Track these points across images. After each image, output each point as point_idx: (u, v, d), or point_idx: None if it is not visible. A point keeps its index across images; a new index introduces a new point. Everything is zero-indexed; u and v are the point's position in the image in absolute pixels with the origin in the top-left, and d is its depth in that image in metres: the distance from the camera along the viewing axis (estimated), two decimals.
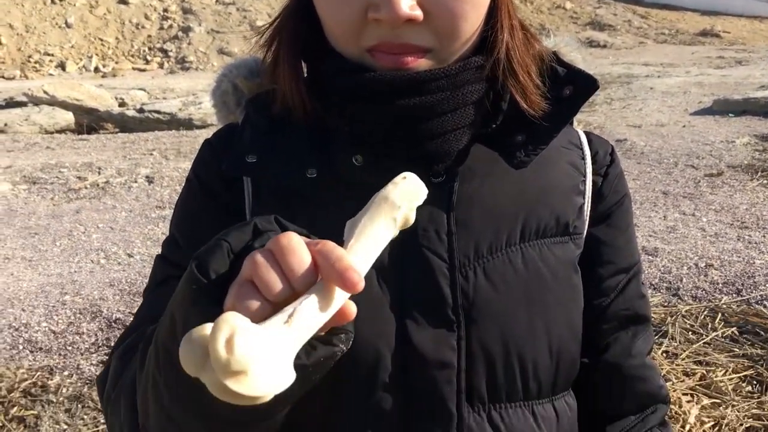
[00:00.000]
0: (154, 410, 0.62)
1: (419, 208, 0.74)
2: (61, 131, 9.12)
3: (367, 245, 0.55)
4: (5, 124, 8.92)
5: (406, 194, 0.58)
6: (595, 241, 0.85)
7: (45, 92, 9.55)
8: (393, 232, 0.57)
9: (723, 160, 6.48)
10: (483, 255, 0.76)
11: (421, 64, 0.73)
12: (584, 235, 0.84)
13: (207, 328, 0.47)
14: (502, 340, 0.74)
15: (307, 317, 0.50)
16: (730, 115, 8.35)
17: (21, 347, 3.56)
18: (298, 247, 0.52)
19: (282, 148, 0.79)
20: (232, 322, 0.46)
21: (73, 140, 8.39)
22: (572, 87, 0.80)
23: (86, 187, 6.30)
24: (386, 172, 0.73)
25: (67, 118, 9.30)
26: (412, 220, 0.59)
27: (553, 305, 0.78)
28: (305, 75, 0.81)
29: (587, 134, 0.90)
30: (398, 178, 0.59)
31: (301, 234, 0.60)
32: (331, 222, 0.74)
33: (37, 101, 9.52)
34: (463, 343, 0.74)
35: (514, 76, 0.78)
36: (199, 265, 0.56)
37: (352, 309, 0.54)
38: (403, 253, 0.74)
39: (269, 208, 0.77)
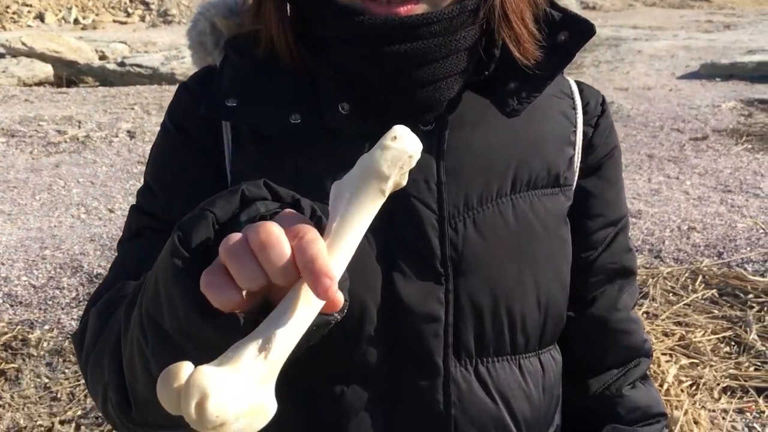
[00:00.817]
0: (142, 375, 0.61)
1: None
2: (39, 84, 8.93)
3: (352, 225, 0.51)
4: None
5: (397, 160, 0.53)
6: (585, 193, 0.83)
7: (23, 44, 9.33)
8: (382, 201, 0.54)
9: (708, 125, 6.49)
10: (473, 206, 0.74)
11: (415, 9, 0.70)
12: (573, 187, 0.82)
13: (181, 371, 0.47)
14: (491, 294, 0.73)
15: (285, 336, 0.48)
16: (717, 79, 8.35)
17: (1, 301, 3.53)
18: (277, 242, 0.48)
19: (264, 91, 0.76)
20: (203, 384, 0.45)
21: (52, 93, 8.23)
22: (567, 32, 0.77)
23: (66, 141, 6.20)
24: (374, 121, 0.71)
25: (46, 70, 9.10)
26: (404, 182, 0.55)
27: (543, 258, 0.77)
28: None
29: (578, 83, 0.87)
30: (388, 139, 0.53)
31: (290, 200, 0.57)
32: (318, 174, 0.71)
33: (15, 53, 9.30)
34: (451, 297, 0.72)
35: (508, 23, 0.75)
36: (182, 237, 0.53)
37: (340, 299, 0.50)
38: (391, 203, 0.71)
39: (250, 155, 0.74)
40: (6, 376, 2.86)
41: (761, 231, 4.14)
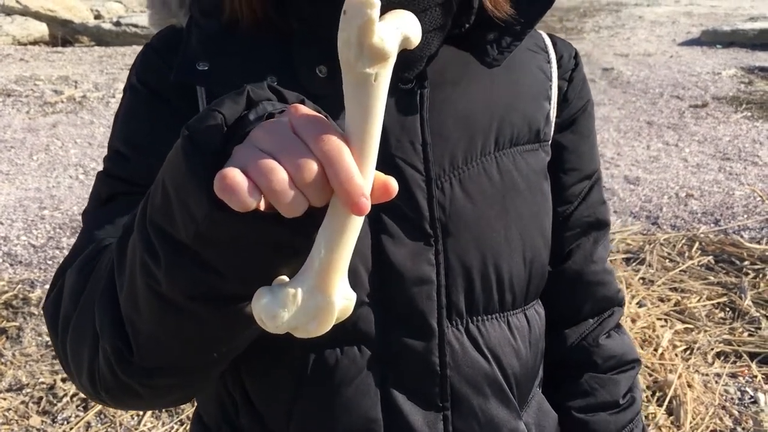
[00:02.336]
0: (150, 304, 0.57)
1: (388, 117, 0.69)
2: (34, 43, 8.82)
3: (368, 136, 0.49)
4: None
5: (353, 31, 0.45)
6: (560, 148, 0.83)
7: (17, 2, 9.17)
8: (376, 85, 0.47)
9: (708, 92, 6.46)
10: (458, 165, 0.73)
11: None
12: (550, 143, 0.82)
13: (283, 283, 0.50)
14: (479, 253, 0.73)
15: (339, 247, 0.49)
16: (718, 46, 8.28)
17: (0, 260, 3.53)
18: (303, 154, 0.47)
19: (236, 53, 0.73)
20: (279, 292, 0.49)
21: (48, 53, 8.13)
22: None
23: (62, 101, 6.15)
24: None
25: (41, 29, 8.97)
26: (414, 40, 0.49)
27: (528, 215, 0.77)
28: None
29: (551, 37, 0.86)
30: (341, 21, 0.46)
31: (296, 101, 0.54)
32: None
33: (8, 11, 9.15)
34: (441, 258, 0.72)
35: None
36: (191, 136, 0.50)
37: (393, 184, 0.50)
38: (377, 166, 0.71)
39: None
40: (7, 334, 2.88)
41: (758, 198, 4.16)
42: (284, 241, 0.51)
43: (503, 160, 0.76)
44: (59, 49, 8.44)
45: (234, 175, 0.46)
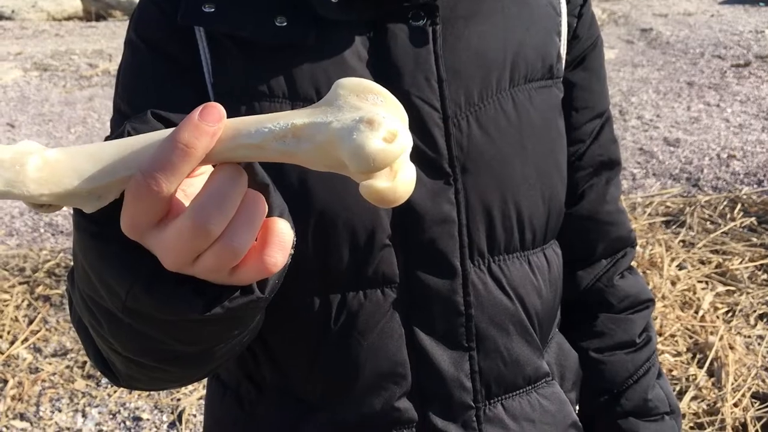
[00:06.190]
0: (113, 356, 0.58)
1: (401, 54, 0.67)
2: (68, 18, 8.91)
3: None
4: (12, 11, 8.71)
5: (383, 161, 0.41)
6: (571, 86, 0.82)
7: None
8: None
9: (751, 51, 6.26)
10: (474, 102, 0.72)
11: None
12: (561, 80, 0.81)
13: None
14: (499, 191, 0.72)
15: None
16: (761, 4, 8.01)
17: (42, 230, 3.61)
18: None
19: None
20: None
21: (82, 27, 8.21)
22: None
23: (98, 75, 6.21)
24: (366, 12, 0.69)
25: (75, 5, 9.06)
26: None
27: (545, 152, 0.76)
28: None
29: None
30: (383, 131, 0.42)
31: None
32: (310, 74, 0.68)
33: None
34: (461, 197, 0.70)
35: None
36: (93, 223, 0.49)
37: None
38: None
39: (236, 68, 0.69)
40: (51, 301, 2.95)
41: None
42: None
43: (519, 97, 0.74)
44: (93, 23, 8.52)
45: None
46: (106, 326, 0.53)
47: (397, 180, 0.42)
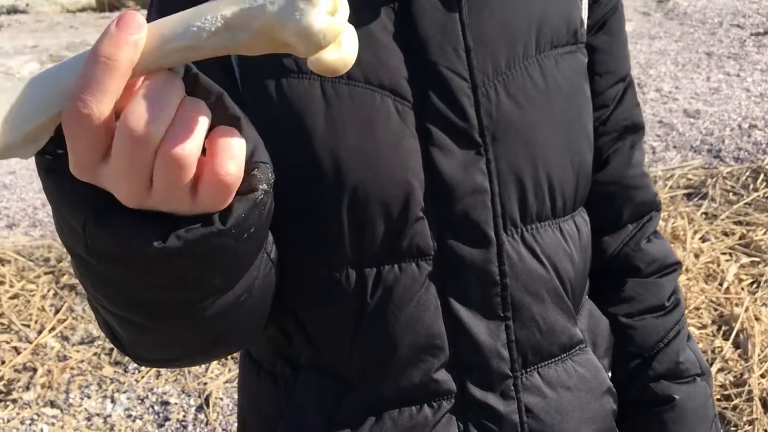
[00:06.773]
0: (114, 320, 0.58)
1: (427, 23, 0.65)
2: (82, 10, 8.94)
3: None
4: (27, 4, 8.76)
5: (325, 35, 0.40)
6: (594, 50, 0.81)
7: None
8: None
9: None
10: (501, 71, 0.71)
11: None
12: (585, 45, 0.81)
13: None
14: (529, 159, 0.72)
15: None
16: None
17: None
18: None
19: None
20: None
21: (96, 19, 8.24)
22: None
23: None
24: None
25: None
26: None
27: (573, 118, 0.76)
28: None
29: None
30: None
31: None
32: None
33: None
34: (492, 166, 0.70)
35: None
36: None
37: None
38: (420, 75, 0.69)
39: None
40: (76, 290, 2.99)
41: None
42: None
43: (545, 63, 0.74)
44: (106, 14, 8.53)
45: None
46: (86, 277, 0.53)
47: (344, 48, 0.41)
